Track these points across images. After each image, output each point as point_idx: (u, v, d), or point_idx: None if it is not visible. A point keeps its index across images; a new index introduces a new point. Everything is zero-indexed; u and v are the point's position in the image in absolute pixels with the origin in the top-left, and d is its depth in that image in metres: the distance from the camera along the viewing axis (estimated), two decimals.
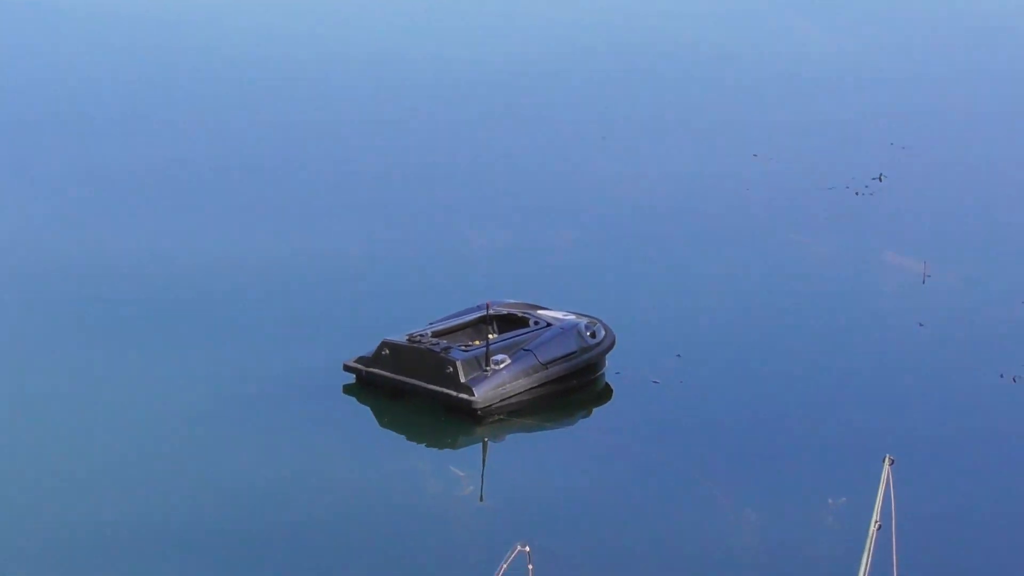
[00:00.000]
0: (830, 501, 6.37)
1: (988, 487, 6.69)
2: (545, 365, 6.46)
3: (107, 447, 6.79)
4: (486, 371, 6.28)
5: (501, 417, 6.76)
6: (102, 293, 9.10)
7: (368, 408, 7.11)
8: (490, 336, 6.42)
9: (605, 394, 7.37)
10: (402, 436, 7.06)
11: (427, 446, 6.89)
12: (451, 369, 6.21)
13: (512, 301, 7.08)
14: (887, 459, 3.91)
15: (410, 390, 6.54)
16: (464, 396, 6.22)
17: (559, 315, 6.91)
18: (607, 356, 7.09)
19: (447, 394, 6.33)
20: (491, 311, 6.68)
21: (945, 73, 12.68)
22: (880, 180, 9.20)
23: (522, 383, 6.35)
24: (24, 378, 7.73)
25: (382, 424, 7.13)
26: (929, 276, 8.99)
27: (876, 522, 3.52)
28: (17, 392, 7.57)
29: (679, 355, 7.78)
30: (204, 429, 7.01)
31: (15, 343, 8.29)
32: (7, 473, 6.61)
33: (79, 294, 8.95)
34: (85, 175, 11.06)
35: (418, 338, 6.51)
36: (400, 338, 6.57)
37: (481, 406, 6.27)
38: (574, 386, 6.82)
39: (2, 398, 7.44)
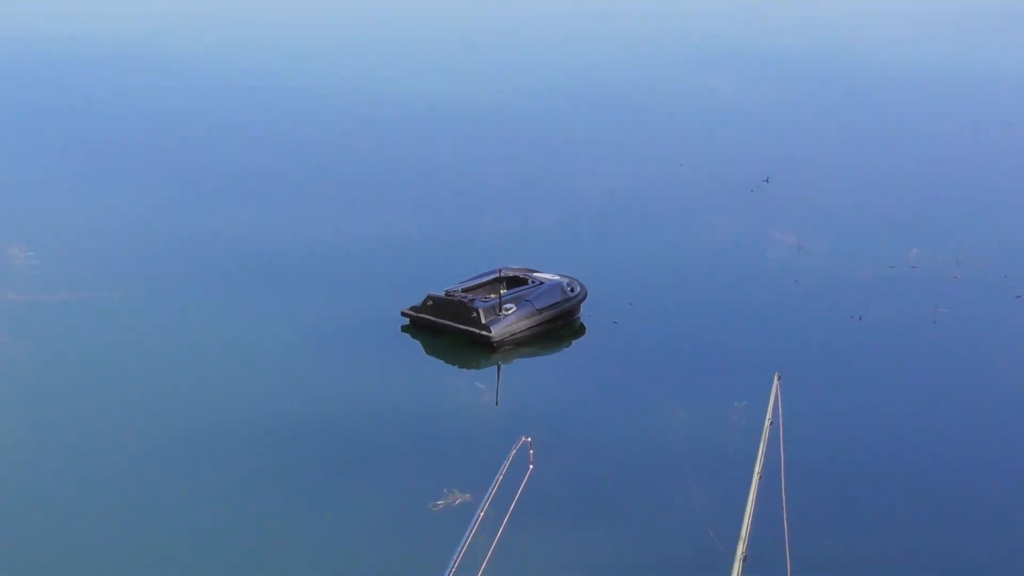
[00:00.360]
0: (736, 404, 7.30)
1: (848, 394, 7.68)
2: (540, 311, 7.57)
3: (227, 368, 8.01)
4: (499, 315, 7.39)
5: (509, 347, 7.92)
6: (230, 258, 10.34)
7: (418, 342, 8.26)
8: (501, 291, 7.49)
9: (581, 331, 8.53)
10: (440, 360, 8.21)
11: (458, 367, 8.03)
12: (475, 314, 7.30)
13: (516, 267, 8.21)
14: (776, 376, 4.49)
15: (446, 329, 7.67)
16: (484, 333, 7.32)
17: (549, 276, 7.99)
18: (582, 304, 8.23)
19: (472, 332, 7.41)
20: (502, 273, 7.81)
21: (820, 110, 14.40)
22: (767, 182, 10.27)
23: (524, 324, 7.51)
24: (169, 317, 8.95)
25: (427, 353, 8.23)
26: (802, 248, 10.02)
27: (769, 420, 3.81)
28: (167, 326, 8.84)
29: (632, 303, 8.90)
30: (302, 353, 8.19)
31: (164, 293, 9.42)
32: (154, 380, 7.89)
33: (216, 260, 10.15)
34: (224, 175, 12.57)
35: (451, 292, 7.62)
36: (439, 292, 7.68)
37: (496, 340, 7.40)
38: (560, 325, 7.92)
39: (151, 329, 8.69)
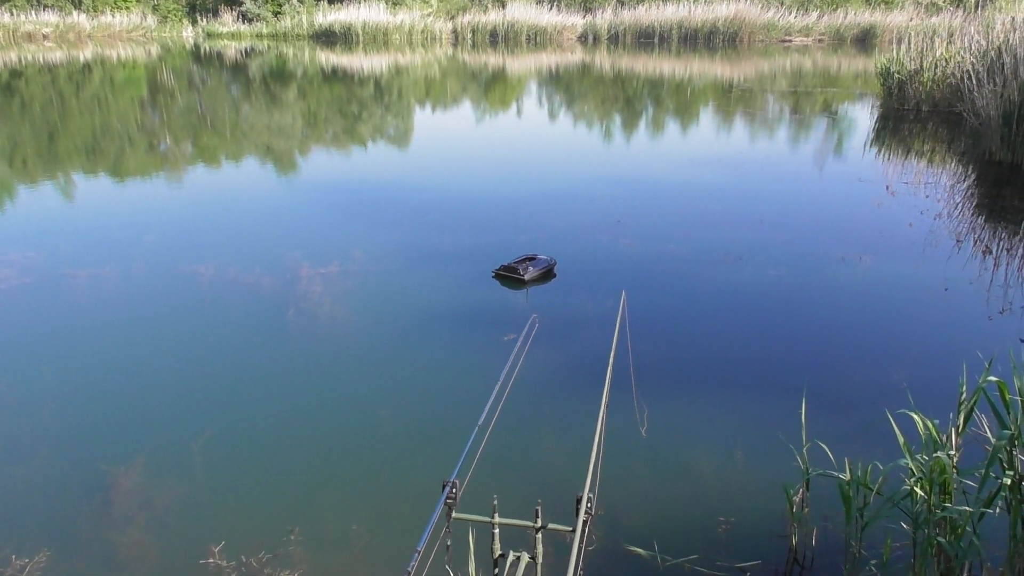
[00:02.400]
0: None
1: (690, 303, 9.70)
2: (540, 268, 10.64)
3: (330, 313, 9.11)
4: (526, 271, 10.41)
5: (529, 283, 10.23)
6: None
7: (496, 281, 10.36)
8: (527, 262, 10.50)
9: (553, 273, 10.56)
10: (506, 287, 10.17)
11: (509, 287, 10.11)
12: (520, 271, 10.35)
13: (532, 252, 10.96)
14: (623, 292, 6.09)
15: (509, 277, 10.48)
16: (522, 277, 10.34)
17: (542, 256, 10.85)
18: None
19: (519, 278, 10.33)
20: (527, 255, 10.71)
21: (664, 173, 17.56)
22: (618, 222, 12.28)
23: (535, 273, 10.41)
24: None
25: (502, 284, 10.22)
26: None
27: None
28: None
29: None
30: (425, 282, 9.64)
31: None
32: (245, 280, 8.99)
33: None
34: None
35: (509, 264, 10.62)
36: (498, 266, 10.62)
37: (527, 279, 10.31)
38: (546, 272, 10.72)
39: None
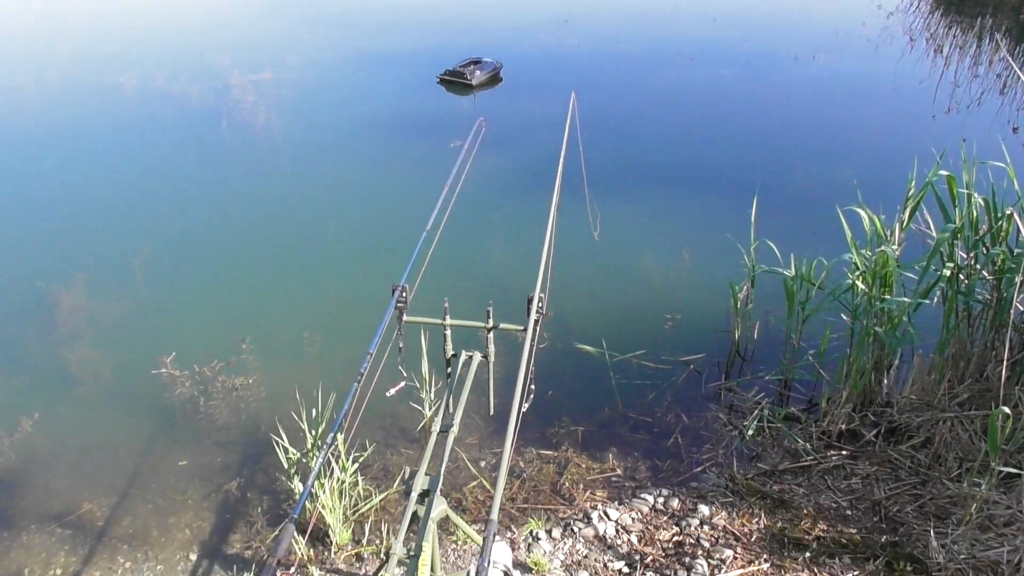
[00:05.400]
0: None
1: (642, 105, 9.74)
2: (486, 72, 10.52)
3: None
4: (473, 75, 10.25)
5: (478, 88, 10.13)
6: None
7: (442, 87, 10.27)
8: (472, 66, 10.34)
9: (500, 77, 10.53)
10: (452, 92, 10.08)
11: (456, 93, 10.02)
12: (467, 75, 10.15)
13: (476, 56, 10.74)
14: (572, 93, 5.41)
15: (456, 80, 10.44)
16: (470, 81, 10.22)
17: (487, 59, 10.71)
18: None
19: (466, 82, 10.26)
20: (472, 59, 10.54)
21: None
22: (566, 22, 10.60)
23: (479, 76, 10.30)
24: None
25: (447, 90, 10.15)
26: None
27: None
28: None
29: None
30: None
31: None
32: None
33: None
34: None
35: (455, 68, 10.39)
36: (443, 71, 10.36)
37: (474, 83, 10.22)
38: (494, 77, 10.67)
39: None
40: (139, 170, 7.94)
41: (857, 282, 4.32)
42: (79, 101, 9.70)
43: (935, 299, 4.50)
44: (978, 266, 4.36)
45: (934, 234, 4.67)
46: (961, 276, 4.39)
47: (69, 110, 9.44)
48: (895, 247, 4.37)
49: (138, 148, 8.40)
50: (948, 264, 4.24)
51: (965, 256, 4.43)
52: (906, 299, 4.22)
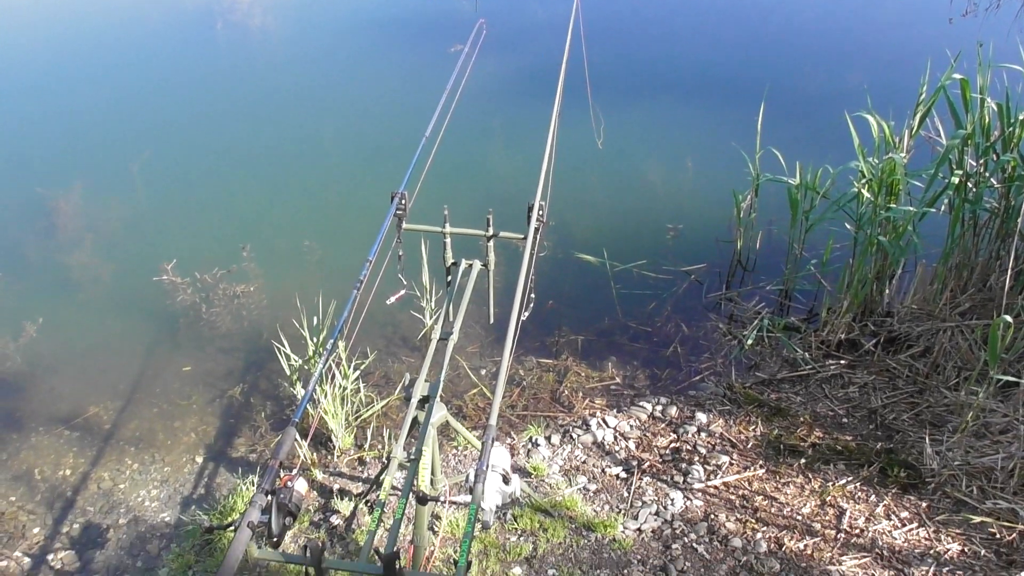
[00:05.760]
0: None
1: (647, 8, 9.51)
2: None
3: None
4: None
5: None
6: None
7: None
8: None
9: None
10: None
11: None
12: None
13: None
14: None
15: None
16: None
17: None
18: None
19: None
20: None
21: None
22: None
23: None
24: None
25: None
26: None
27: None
28: None
29: None
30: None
31: None
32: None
33: None
34: None
35: None
36: None
37: None
38: None
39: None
40: (135, 75, 7.87)
41: (863, 190, 4.19)
42: (73, 4, 9.55)
43: (942, 208, 4.46)
44: (987, 174, 4.29)
45: (944, 141, 4.55)
46: (969, 184, 4.33)
47: (64, 13, 9.26)
48: (903, 155, 4.30)
49: (133, 52, 8.33)
50: (957, 172, 4.15)
51: (975, 164, 4.35)
52: (911, 208, 4.19)
